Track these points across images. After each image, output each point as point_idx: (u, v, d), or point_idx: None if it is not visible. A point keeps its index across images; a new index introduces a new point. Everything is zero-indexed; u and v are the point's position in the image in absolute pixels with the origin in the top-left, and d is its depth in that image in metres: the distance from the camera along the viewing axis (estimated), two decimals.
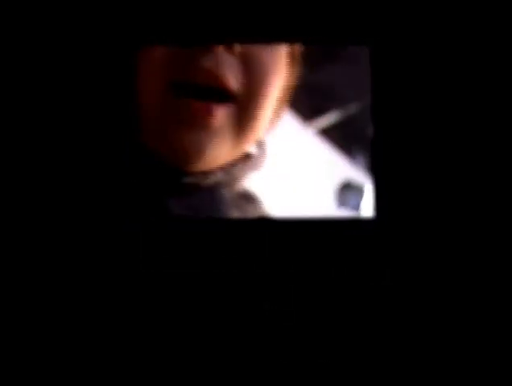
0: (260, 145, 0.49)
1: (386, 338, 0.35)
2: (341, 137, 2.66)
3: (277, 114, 0.48)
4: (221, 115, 0.40)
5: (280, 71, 0.43)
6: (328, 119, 2.53)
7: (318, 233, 0.36)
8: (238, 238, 0.37)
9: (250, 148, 0.48)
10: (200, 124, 0.39)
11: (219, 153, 0.41)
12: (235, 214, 0.44)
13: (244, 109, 0.41)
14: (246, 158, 0.47)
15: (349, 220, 0.37)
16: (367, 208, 2.38)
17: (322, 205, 2.39)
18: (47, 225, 0.35)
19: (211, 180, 0.43)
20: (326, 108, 2.54)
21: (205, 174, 0.42)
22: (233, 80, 0.40)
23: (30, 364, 0.35)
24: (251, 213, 0.46)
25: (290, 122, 2.49)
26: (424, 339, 0.35)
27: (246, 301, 0.35)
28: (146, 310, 0.35)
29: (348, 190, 2.40)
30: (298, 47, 0.46)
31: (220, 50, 0.39)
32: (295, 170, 2.41)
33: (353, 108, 2.37)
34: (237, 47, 0.40)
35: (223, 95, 0.40)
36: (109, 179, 0.36)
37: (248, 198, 0.48)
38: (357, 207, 2.39)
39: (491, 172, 0.35)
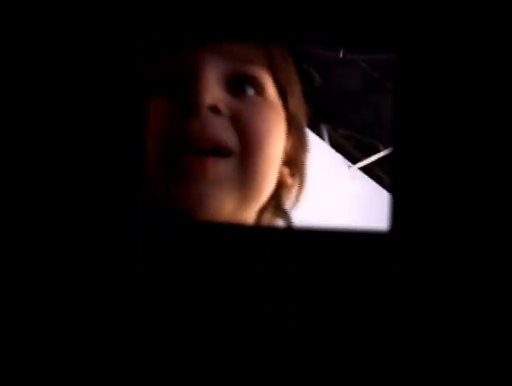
0: (286, 218, 0.50)
1: (387, 339, 0.35)
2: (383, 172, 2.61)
3: (295, 183, 0.50)
4: (218, 168, 0.42)
5: (276, 134, 0.45)
6: (374, 156, 2.52)
7: (329, 242, 0.36)
8: (242, 244, 0.37)
9: (278, 221, 0.50)
10: (196, 177, 0.41)
11: (221, 205, 0.42)
12: None
13: (243, 164, 0.43)
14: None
15: (363, 232, 0.38)
16: None
17: None
18: (47, 226, 0.36)
19: None
20: (372, 145, 2.55)
21: None
22: (224, 138, 0.42)
23: (27, 365, 0.35)
24: None
25: (334, 160, 2.49)
26: (429, 343, 0.35)
27: (247, 303, 0.35)
28: (145, 311, 0.35)
29: None
30: (298, 116, 0.49)
31: (206, 112, 0.41)
32: (342, 208, 2.35)
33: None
34: (223, 109, 0.42)
35: (218, 152, 0.42)
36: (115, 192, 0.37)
37: None
38: None
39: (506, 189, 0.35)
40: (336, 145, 2.54)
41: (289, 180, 0.50)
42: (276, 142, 0.45)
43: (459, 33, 0.36)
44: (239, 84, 0.44)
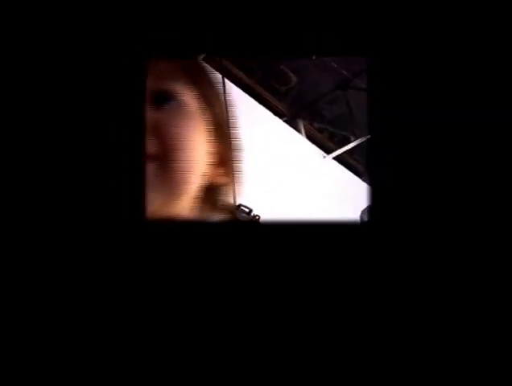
0: (238, 213, 0.53)
1: (385, 338, 0.35)
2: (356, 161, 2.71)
3: (230, 182, 0.52)
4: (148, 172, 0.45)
5: (195, 140, 0.49)
6: (346, 147, 2.58)
7: (313, 234, 0.36)
8: (236, 239, 0.37)
9: (240, 215, 0.52)
10: None
11: (149, 202, 0.45)
12: None
13: (163, 167, 0.46)
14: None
15: (347, 224, 0.37)
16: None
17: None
18: (44, 228, 0.35)
19: None
20: (344, 137, 2.64)
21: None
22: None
23: (22, 371, 0.34)
24: None
25: (309, 151, 2.56)
26: (423, 342, 0.34)
27: (246, 303, 0.35)
28: (144, 312, 0.35)
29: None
30: (222, 123, 0.51)
31: None
32: (318, 195, 2.42)
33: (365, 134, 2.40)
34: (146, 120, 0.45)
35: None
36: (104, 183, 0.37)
37: None
38: None
39: (485, 181, 0.35)
40: (311, 137, 2.62)
41: (223, 179, 0.52)
42: (195, 147, 0.48)
43: (423, 36, 0.36)
44: (161, 99, 0.47)
